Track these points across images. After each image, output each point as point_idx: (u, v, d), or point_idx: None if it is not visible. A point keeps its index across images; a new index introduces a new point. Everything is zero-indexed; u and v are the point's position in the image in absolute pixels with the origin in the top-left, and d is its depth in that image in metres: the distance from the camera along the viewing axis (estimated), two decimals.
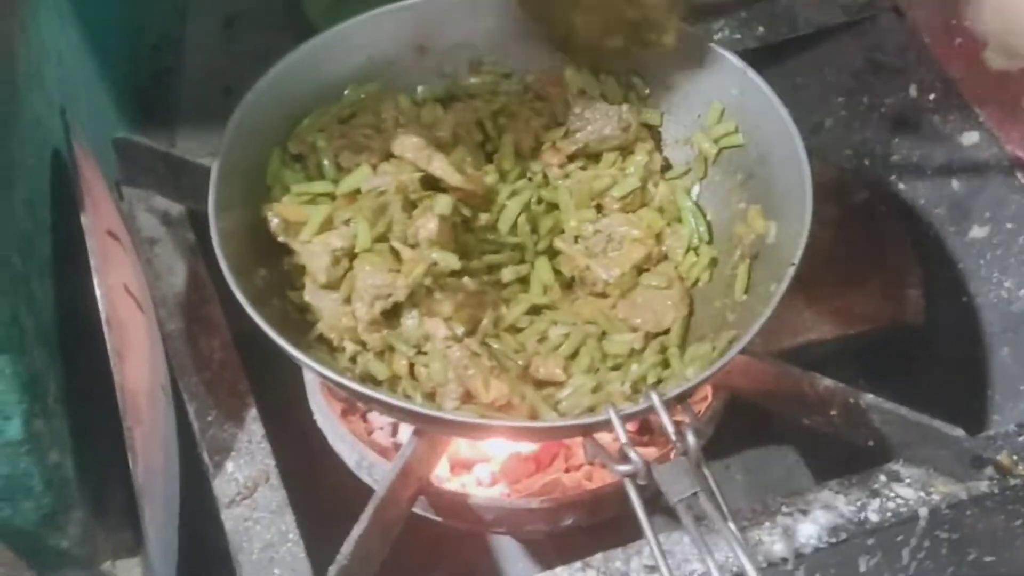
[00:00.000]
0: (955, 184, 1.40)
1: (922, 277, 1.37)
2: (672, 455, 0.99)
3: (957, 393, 1.32)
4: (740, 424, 1.25)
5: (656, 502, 0.99)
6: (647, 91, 1.28)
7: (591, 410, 1.11)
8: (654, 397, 1.00)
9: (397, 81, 1.28)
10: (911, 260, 1.38)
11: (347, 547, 1.07)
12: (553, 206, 1.25)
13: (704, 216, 1.24)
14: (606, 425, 1.01)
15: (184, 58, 1.62)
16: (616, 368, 1.16)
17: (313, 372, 1.07)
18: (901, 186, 1.43)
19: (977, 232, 1.37)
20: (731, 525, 0.95)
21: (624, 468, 0.97)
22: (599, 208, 1.24)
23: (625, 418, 1.00)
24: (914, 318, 1.35)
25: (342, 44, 1.25)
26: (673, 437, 0.98)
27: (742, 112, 1.21)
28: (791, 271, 1.08)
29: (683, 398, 1.06)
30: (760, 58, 1.39)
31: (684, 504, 0.95)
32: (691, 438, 0.97)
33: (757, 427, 1.36)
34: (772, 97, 1.18)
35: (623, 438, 0.98)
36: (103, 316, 1.06)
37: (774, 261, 1.14)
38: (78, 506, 1.15)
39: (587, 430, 1.03)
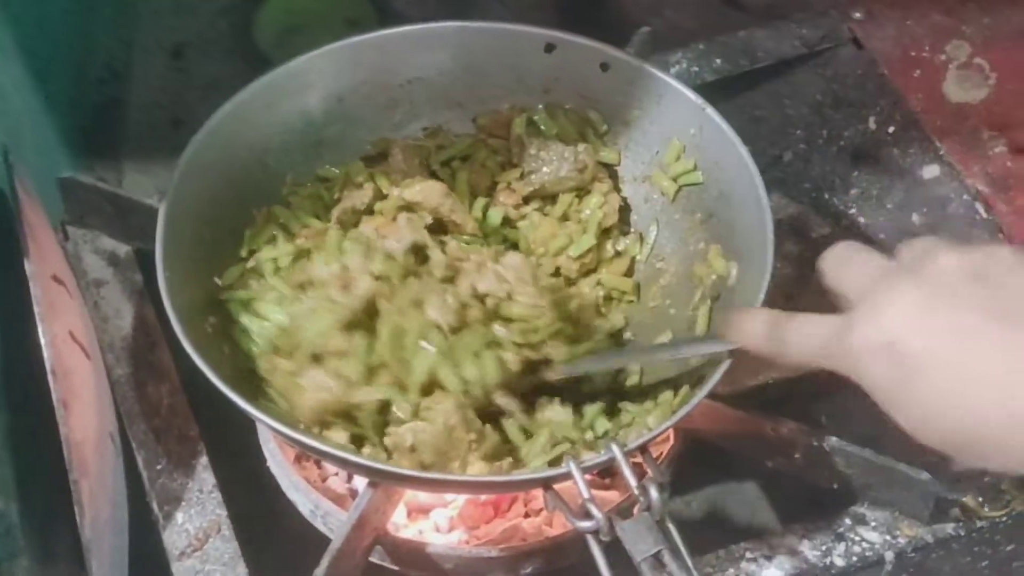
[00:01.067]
0: (915, 218, 1.39)
1: None
2: (635, 510, 0.96)
3: None
4: (701, 459, 1.23)
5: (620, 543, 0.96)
6: (604, 128, 1.26)
7: (554, 458, 1.09)
8: (615, 449, 0.98)
9: (350, 117, 1.26)
10: None
11: None
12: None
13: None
14: (567, 477, 0.98)
15: (131, 90, 1.58)
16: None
17: (267, 427, 1.04)
18: (862, 220, 1.41)
19: None
20: None
21: (586, 525, 0.95)
22: (556, 271, 1.23)
23: (586, 470, 0.98)
24: None
25: (294, 81, 1.22)
26: (636, 491, 0.96)
27: (701, 150, 1.20)
28: None
29: (645, 447, 1.03)
30: (718, 90, 1.38)
31: (648, 563, 0.93)
32: (654, 493, 0.95)
33: (718, 462, 1.34)
34: (732, 136, 1.16)
35: (585, 493, 0.96)
36: (48, 366, 1.03)
37: (735, 303, 1.12)
38: (24, 554, 1.11)
39: (547, 483, 1.01)
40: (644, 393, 1.14)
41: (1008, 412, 0.74)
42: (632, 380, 1.16)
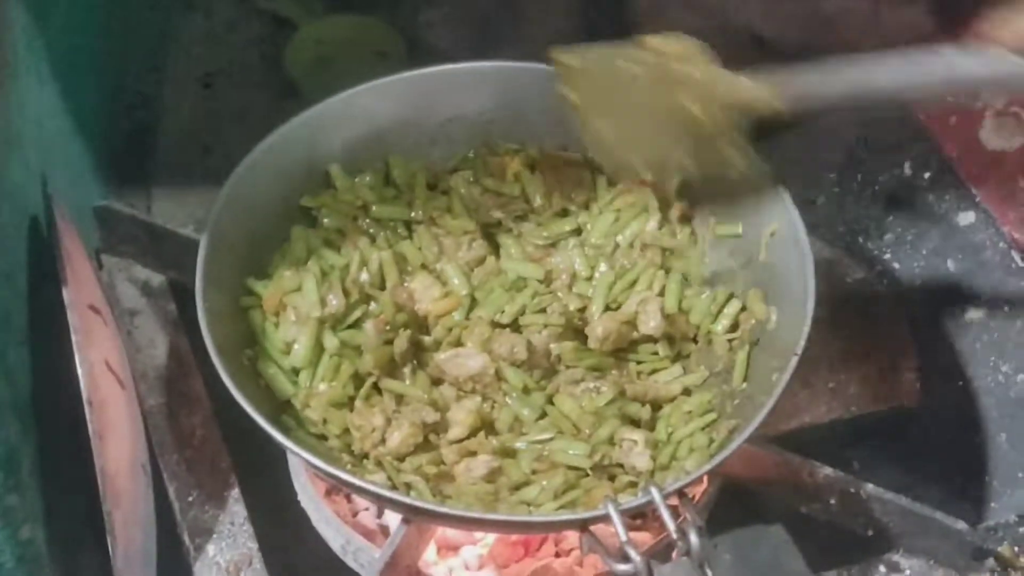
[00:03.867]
0: (951, 265, 1.39)
1: (918, 359, 1.35)
2: (674, 555, 0.96)
3: (953, 479, 1.31)
4: (731, 501, 1.23)
5: None
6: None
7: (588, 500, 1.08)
8: (654, 492, 0.97)
9: (390, 153, 1.26)
10: (907, 342, 1.36)
11: None
12: None
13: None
14: (604, 519, 0.98)
15: (161, 117, 1.59)
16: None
17: (303, 460, 1.03)
18: (896, 266, 1.41)
19: (973, 314, 1.36)
20: None
21: (624, 568, 0.94)
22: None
23: (623, 513, 0.97)
24: (910, 401, 1.33)
25: (335, 116, 1.22)
26: (675, 536, 0.95)
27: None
28: (794, 361, 1.06)
29: (682, 490, 1.03)
30: (751, 132, 1.37)
31: None
32: (694, 538, 0.95)
33: (749, 504, 1.34)
34: (775, 182, 1.16)
35: (623, 536, 0.95)
36: (84, 396, 1.03)
37: (774, 348, 1.11)
38: None
39: (584, 524, 1.00)
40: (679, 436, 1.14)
41: None
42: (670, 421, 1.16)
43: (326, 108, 1.22)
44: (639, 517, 1.21)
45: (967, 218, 1.38)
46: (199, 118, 1.61)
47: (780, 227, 1.15)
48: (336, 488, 1.21)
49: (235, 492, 1.19)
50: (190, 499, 1.19)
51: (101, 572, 1.07)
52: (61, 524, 1.12)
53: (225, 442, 1.22)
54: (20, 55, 1.18)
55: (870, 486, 1.14)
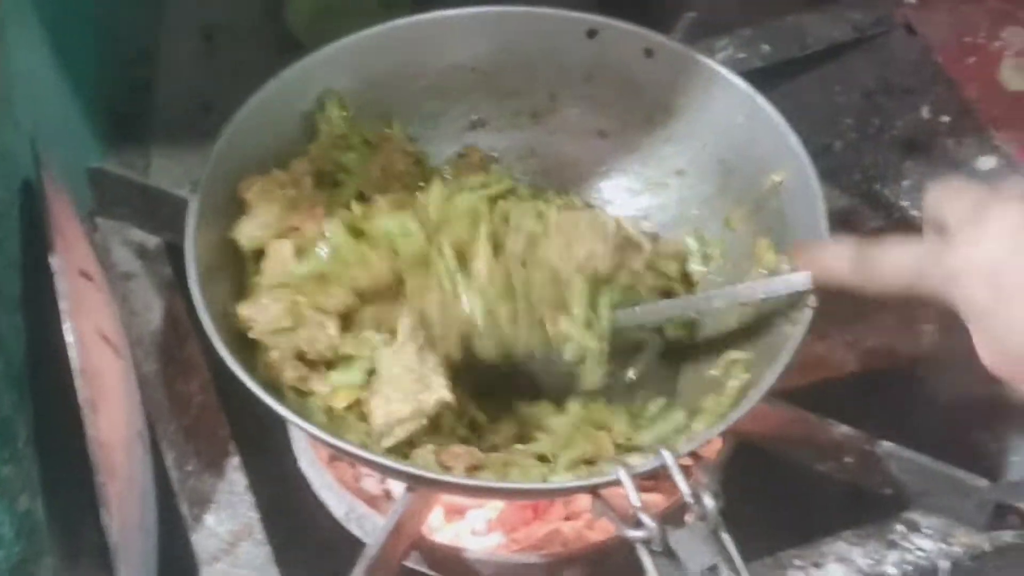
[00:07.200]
0: None
1: (937, 311, 1.31)
2: (688, 519, 0.93)
3: (971, 433, 1.27)
4: (744, 461, 1.19)
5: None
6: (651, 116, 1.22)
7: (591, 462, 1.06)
8: (666, 456, 0.94)
9: (385, 104, 1.23)
10: None
11: None
12: None
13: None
14: (615, 483, 0.95)
15: (161, 72, 1.55)
16: None
17: (302, 431, 1.01)
18: (915, 213, 1.37)
19: None
20: None
21: (637, 534, 0.91)
22: None
23: (635, 477, 0.94)
24: (928, 353, 1.29)
25: (326, 67, 1.19)
26: (689, 500, 0.92)
27: (750, 140, 1.16)
28: (809, 315, 1.03)
29: (695, 452, 1.00)
30: (766, 77, 1.34)
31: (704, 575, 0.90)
32: (709, 502, 0.92)
33: (762, 464, 1.31)
34: (783, 125, 1.13)
35: (636, 501, 0.93)
36: (75, 366, 1.00)
37: (787, 299, 1.08)
38: (49, 553, 1.08)
39: (595, 490, 0.98)
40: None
41: None
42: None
43: (315, 59, 1.19)
44: (651, 478, 1.18)
45: (988, 163, 1.34)
46: (199, 74, 1.57)
47: (788, 175, 1.12)
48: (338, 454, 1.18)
49: (235, 460, 1.16)
50: (188, 468, 1.16)
51: (101, 542, 1.04)
52: (61, 495, 1.10)
53: (223, 408, 1.19)
54: (6, 4, 1.14)
55: (888, 444, 1.11)
